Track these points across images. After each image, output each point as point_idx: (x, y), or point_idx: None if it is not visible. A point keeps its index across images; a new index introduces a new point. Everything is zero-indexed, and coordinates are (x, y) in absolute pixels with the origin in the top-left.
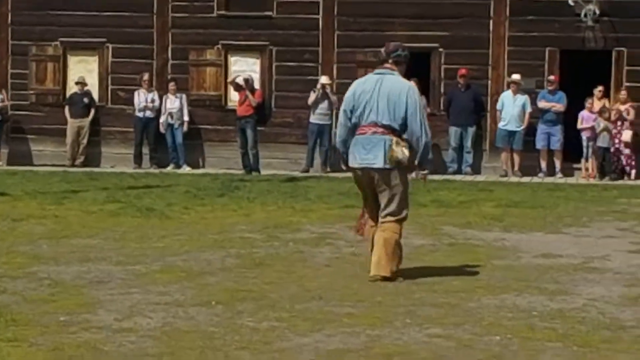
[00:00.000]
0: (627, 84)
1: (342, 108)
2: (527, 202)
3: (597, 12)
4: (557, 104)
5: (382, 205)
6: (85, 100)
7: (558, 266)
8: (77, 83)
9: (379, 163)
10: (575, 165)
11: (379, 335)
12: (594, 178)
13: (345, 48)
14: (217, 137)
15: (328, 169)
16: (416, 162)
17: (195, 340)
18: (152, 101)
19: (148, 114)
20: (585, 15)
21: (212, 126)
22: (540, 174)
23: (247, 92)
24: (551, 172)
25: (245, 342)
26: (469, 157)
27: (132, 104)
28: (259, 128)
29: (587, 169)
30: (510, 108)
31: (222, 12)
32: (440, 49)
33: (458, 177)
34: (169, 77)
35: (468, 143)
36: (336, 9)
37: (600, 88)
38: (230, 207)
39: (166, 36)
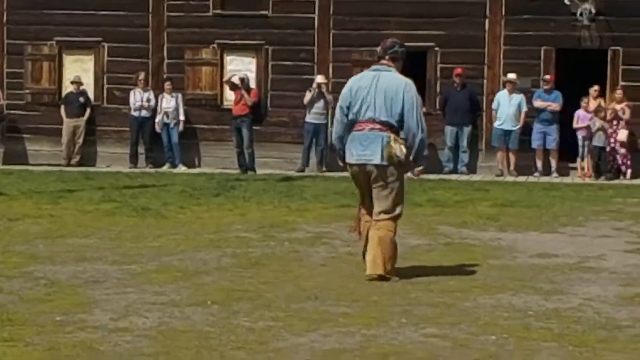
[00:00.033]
0: (623, 83)
1: (338, 104)
2: (523, 201)
3: (593, 11)
4: (553, 103)
5: (377, 203)
6: (81, 99)
7: (554, 266)
8: (72, 82)
9: (376, 159)
10: (571, 165)
11: (374, 335)
12: (590, 177)
13: (341, 47)
14: (212, 136)
15: (324, 169)
16: (411, 158)
17: (191, 339)
18: (148, 100)
19: (144, 113)
20: (581, 14)
21: (207, 125)
22: (536, 174)
23: (243, 92)
24: (547, 171)
25: (241, 341)
26: (464, 157)
27: (128, 103)
28: (254, 127)
29: (582, 169)
30: (506, 107)
31: (218, 11)
32: (436, 48)
33: (454, 176)
34: (165, 76)
35: (464, 142)
36: (332, 8)
37: (596, 87)
38: (226, 207)
39: (162, 35)
